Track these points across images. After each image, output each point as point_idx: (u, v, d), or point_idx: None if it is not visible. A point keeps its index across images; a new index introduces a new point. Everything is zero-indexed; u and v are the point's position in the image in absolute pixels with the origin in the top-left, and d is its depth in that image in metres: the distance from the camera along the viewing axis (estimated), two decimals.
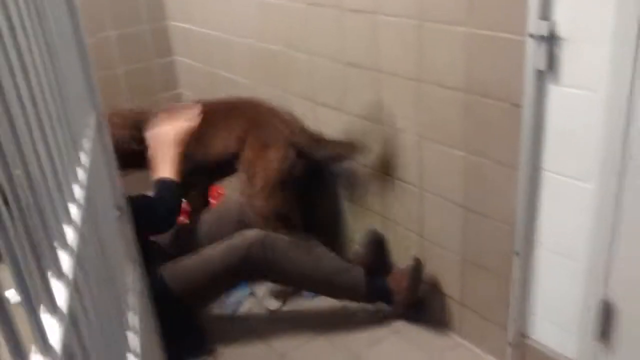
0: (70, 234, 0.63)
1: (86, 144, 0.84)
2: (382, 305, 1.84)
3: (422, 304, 1.84)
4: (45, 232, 0.54)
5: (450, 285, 1.72)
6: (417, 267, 1.77)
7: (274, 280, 1.87)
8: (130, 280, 1.06)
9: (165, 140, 1.78)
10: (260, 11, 2.08)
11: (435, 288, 1.78)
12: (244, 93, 2.25)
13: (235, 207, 1.99)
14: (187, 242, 1.92)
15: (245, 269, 1.76)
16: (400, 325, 1.83)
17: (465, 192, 1.57)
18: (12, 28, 0.57)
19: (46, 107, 0.65)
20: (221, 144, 1.94)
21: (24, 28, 0.62)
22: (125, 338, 0.87)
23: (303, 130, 1.96)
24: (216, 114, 1.98)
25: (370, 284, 1.82)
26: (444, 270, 1.73)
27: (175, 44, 2.75)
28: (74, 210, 0.67)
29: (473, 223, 1.58)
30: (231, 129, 1.96)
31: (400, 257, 1.87)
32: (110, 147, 1.09)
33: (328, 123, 1.96)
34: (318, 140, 1.93)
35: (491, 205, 1.50)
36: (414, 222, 1.77)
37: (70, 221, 0.64)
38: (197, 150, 1.88)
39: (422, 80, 1.56)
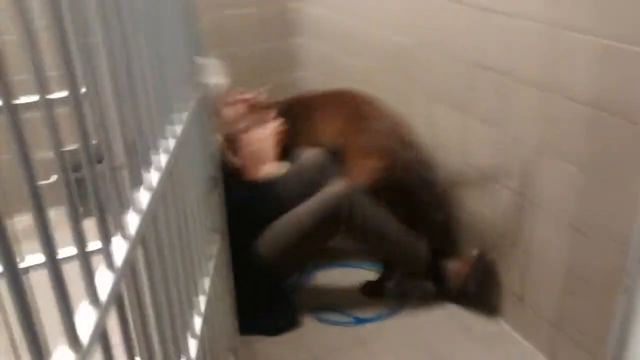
0: (146, 195, 0.68)
1: (183, 117, 0.89)
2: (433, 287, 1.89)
3: (480, 296, 1.84)
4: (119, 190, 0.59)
5: (546, 304, 1.64)
6: (482, 258, 1.77)
7: (349, 234, 1.84)
8: (213, 249, 1.12)
9: (264, 144, 1.88)
10: (399, 4, 2.08)
11: (527, 302, 1.72)
12: (364, 82, 2.27)
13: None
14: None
15: (333, 221, 1.77)
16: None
17: (577, 213, 1.47)
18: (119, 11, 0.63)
19: (144, 82, 0.71)
20: (318, 139, 2.01)
21: (130, 13, 0.67)
22: (195, 299, 0.93)
23: (410, 143, 1.96)
24: (310, 109, 2.05)
25: (433, 261, 1.85)
26: (543, 288, 1.65)
27: (304, 26, 2.82)
28: (154, 175, 0.72)
29: (580, 246, 1.48)
30: (328, 122, 2.01)
31: (503, 270, 1.82)
32: (209, 126, 1.15)
33: (445, 123, 1.93)
34: (423, 162, 1.95)
35: (604, 232, 1.40)
36: (521, 235, 1.70)
37: (144, 183, 0.70)
38: (294, 145, 1.95)
39: (551, 90, 1.48)
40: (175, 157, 0.82)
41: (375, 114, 2.00)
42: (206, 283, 1.00)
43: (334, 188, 1.79)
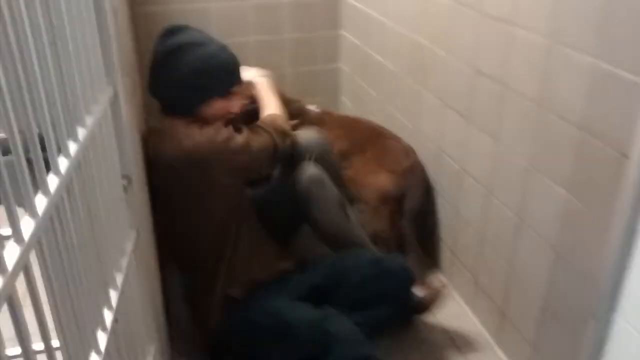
0: (42, 199, 0.72)
1: (88, 120, 0.93)
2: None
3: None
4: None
5: (525, 323, 1.70)
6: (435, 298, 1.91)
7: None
8: (128, 245, 1.16)
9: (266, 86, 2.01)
10: (416, 1, 2.15)
11: (508, 317, 1.80)
12: (389, 79, 2.45)
13: None
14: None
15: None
16: None
17: (558, 234, 1.50)
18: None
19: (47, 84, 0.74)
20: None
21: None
22: (106, 293, 0.97)
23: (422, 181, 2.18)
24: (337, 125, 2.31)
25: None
26: (523, 306, 1.70)
27: (343, 18, 2.93)
28: (52, 178, 0.76)
29: (560, 270, 1.51)
30: (349, 135, 2.29)
31: (485, 281, 1.91)
32: (126, 122, 1.18)
33: (453, 129, 1.98)
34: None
35: (580, 257, 1.43)
36: (505, 250, 1.75)
37: (45, 187, 0.73)
38: None
39: (543, 105, 1.50)
40: (78, 162, 0.86)
41: (388, 136, 2.27)
42: (119, 278, 1.05)
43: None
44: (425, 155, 2.22)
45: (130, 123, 1.26)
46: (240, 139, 1.70)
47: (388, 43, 2.45)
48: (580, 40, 1.34)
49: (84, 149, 0.89)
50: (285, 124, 1.90)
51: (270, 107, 1.94)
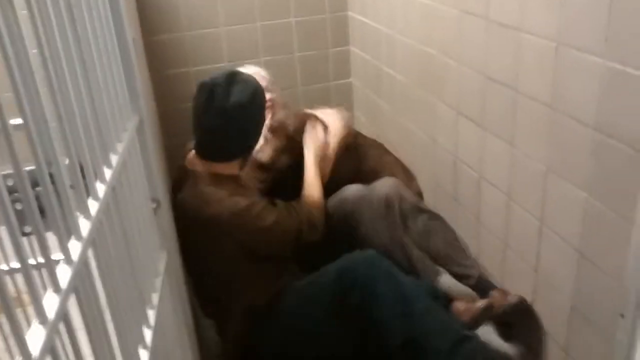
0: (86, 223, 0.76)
1: (119, 147, 0.97)
2: None
3: None
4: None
5: (555, 328, 1.70)
6: (488, 309, 1.80)
7: None
8: (161, 266, 1.20)
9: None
10: (421, 13, 2.19)
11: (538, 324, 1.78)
12: (401, 91, 2.48)
13: None
14: None
15: None
16: None
17: (582, 237, 1.50)
18: (39, 38, 0.70)
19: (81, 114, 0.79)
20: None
21: (54, 40, 0.75)
22: (144, 312, 1.01)
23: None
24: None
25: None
26: (552, 311, 1.70)
27: (352, 34, 3.00)
28: (92, 203, 0.80)
29: (585, 271, 1.51)
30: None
31: (512, 288, 1.89)
32: (152, 147, 1.22)
33: (467, 138, 2.01)
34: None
35: (604, 258, 1.43)
36: (530, 256, 1.76)
37: (86, 212, 0.77)
38: None
39: (556, 109, 1.51)
40: (113, 187, 0.90)
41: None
42: (155, 298, 1.08)
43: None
44: (442, 165, 2.24)
45: (155, 148, 1.30)
46: (269, 219, 1.70)
47: (397, 55, 2.49)
48: (588, 41, 1.36)
49: (117, 175, 0.93)
50: (321, 214, 1.87)
51: (312, 186, 1.93)
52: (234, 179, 1.72)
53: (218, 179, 1.69)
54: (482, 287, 1.97)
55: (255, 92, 1.72)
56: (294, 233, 1.75)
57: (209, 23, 2.82)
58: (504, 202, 1.85)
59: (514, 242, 1.85)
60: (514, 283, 1.90)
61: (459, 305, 1.88)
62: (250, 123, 1.74)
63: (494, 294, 1.92)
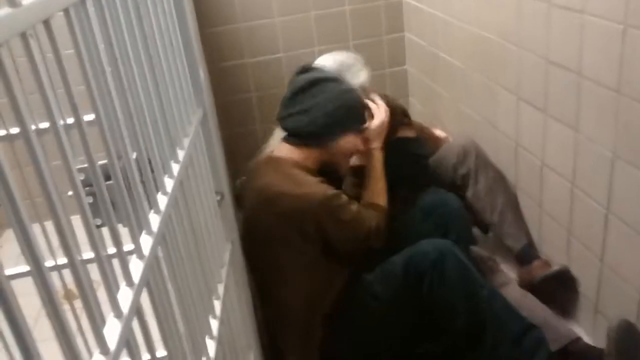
0: (155, 218, 0.78)
1: (185, 141, 0.99)
2: None
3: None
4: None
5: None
6: (563, 273, 1.84)
7: None
8: (226, 256, 1.22)
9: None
10: None
11: (602, 312, 1.75)
12: (459, 78, 2.45)
13: None
14: None
15: None
16: None
17: None
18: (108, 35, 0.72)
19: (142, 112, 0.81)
20: None
21: (124, 36, 0.77)
22: (211, 303, 1.03)
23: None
24: None
25: None
26: (619, 301, 1.66)
27: (406, 20, 2.98)
28: (161, 198, 0.82)
29: None
30: None
31: (579, 276, 1.86)
32: (215, 140, 1.25)
33: (530, 123, 1.97)
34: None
35: None
36: (595, 244, 1.72)
37: (157, 206, 0.79)
38: None
39: (622, 93, 1.47)
40: (180, 181, 0.92)
41: None
42: (220, 288, 1.10)
43: None
44: (503, 152, 2.19)
45: (218, 141, 1.32)
46: (350, 213, 1.70)
47: (455, 41, 2.45)
48: None
49: (184, 169, 0.95)
50: (385, 223, 1.83)
51: (381, 192, 1.89)
52: (316, 171, 1.77)
53: (304, 167, 1.75)
54: (524, 258, 2.03)
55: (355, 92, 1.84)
56: (364, 234, 1.75)
57: (263, 14, 2.84)
58: (567, 189, 1.80)
59: (578, 230, 1.80)
60: (579, 272, 1.85)
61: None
62: (347, 111, 1.80)
63: (536, 264, 1.97)
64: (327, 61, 2.07)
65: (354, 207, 1.74)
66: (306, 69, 1.86)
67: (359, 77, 2.05)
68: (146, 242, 0.74)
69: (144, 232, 0.75)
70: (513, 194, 2.16)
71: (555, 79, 1.75)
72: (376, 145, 1.93)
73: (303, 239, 1.67)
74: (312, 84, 1.77)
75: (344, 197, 1.71)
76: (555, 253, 1.97)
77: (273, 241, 1.68)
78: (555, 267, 1.90)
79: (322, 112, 1.74)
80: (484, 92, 2.25)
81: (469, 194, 2.16)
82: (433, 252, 1.68)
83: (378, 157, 1.93)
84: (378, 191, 1.88)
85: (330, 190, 1.69)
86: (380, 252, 1.81)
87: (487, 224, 2.16)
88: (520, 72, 1.96)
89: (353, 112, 1.82)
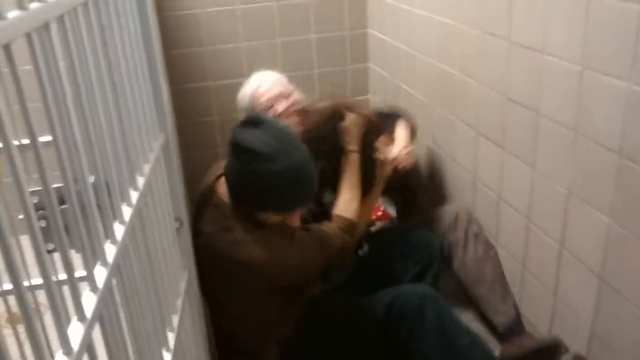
0: (111, 247, 0.76)
1: (145, 168, 0.97)
2: None
3: None
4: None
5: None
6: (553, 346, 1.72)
7: None
8: (182, 286, 1.19)
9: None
10: (441, 32, 2.20)
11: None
12: (420, 110, 2.46)
13: None
14: None
15: None
16: None
17: (603, 262, 1.48)
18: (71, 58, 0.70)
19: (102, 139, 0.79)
20: None
21: (86, 58, 0.75)
22: (165, 335, 1.00)
23: None
24: None
25: None
26: (571, 336, 1.68)
27: (371, 51, 3.01)
28: (118, 227, 0.79)
29: (606, 297, 1.49)
30: None
31: (530, 311, 1.88)
32: (176, 165, 1.22)
33: (487, 159, 2.00)
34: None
35: (626, 284, 1.41)
36: (549, 279, 1.74)
37: (113, 236, 0.77)
38: None
39: (579, 132, 1.50)
40: (139, 209, 0.89)
41: None
42: (175, 320, 1.07)
43: None
44: (461, 185, 2.22)
45: (179, 166, 1.30)
46: (302, 256, 1.62)
47: (417, 74, 2.49)
48: (612, 66, 1.35)
49: (143, 196, 0.92)
50: (353, 240, 1.80)
51: (348, 201, 1.83)
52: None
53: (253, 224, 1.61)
54: (509, 333, 1.94)
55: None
56: (323, 266, 1.71)
57: (229, 38, 2.84)
58: (523, 224, 1.83)
59: (532, 264, 1.83)
60: (532, 306, 1.87)
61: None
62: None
63: (522, 338, 1.89)
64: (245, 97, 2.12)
65: (309, 244, 1.65)
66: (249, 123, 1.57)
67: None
68: (101, 273, 0.71)
69: (98, 263, 0.72)
70: (501, 268, 2.08)
71: (514, 115, 1.79)
72: (352, 147, 1.91)
73: (255, 290, 1.61)
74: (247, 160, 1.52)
75: (295, 242, 1.60)
76: (511, 287, 1.99)
77: (222, 276, 1.62)
78: (543, 339, 1.82)
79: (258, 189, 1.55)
80: (445, 125, 2.29)
81: (455, 264, 2.08)
82: (416, 298, 1.68)
83: (354, 161, 1.89)
84: (349, 201, 1.82)
85: (280, 251, 1.58)
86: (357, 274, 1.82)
87: (469, 296, 2.09)
88: (480, 108, 2.00)
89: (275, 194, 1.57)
